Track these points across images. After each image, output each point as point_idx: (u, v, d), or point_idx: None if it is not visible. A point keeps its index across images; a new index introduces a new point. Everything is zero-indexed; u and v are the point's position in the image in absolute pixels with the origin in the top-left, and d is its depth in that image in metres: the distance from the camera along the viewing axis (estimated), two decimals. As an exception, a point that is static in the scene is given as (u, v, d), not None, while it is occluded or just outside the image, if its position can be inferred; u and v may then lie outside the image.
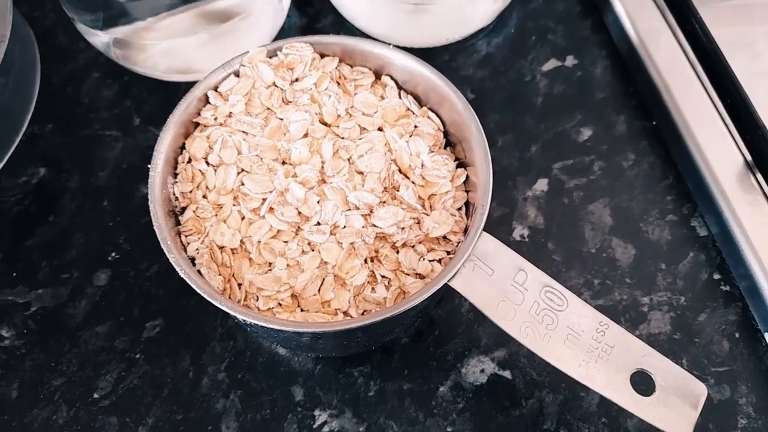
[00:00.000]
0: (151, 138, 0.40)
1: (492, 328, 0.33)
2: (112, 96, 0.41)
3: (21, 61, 0.40)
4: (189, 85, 0.33)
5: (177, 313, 0.34)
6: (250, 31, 0.40)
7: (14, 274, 0.35)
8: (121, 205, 0.37)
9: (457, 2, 0.39)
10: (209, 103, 0.32)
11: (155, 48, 0.39)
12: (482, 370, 0.33)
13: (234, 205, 0.30)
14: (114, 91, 0.41)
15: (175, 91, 0.41)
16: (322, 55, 0.33)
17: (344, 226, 0.29)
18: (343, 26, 0.44)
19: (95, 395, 0.32)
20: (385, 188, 0.30)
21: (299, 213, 0.29)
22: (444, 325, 0.34)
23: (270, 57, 0.33)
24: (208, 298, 0.26)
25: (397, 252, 0.30)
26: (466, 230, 0.30)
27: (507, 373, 0.33)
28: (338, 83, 0.33)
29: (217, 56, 0.36)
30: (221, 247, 0.29)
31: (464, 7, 0.40)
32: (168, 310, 0.34)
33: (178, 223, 0.30)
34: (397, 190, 0.30)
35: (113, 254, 0.36)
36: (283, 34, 0.43)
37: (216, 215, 0.30)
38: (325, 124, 0.32)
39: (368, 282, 0.29)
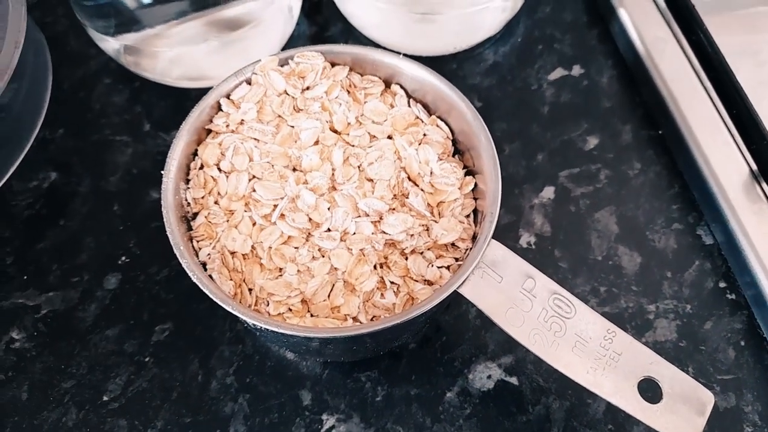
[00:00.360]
0: (161, 144, 0.40)
1: (499, 335, 0.34)
2: (122, 102, 0.42)
3: (33, 67, 0.40)
4: (199, 92, 0.33)
5: (186, 317, 0.35)
6: (260, 40, 0.41)
7: (25, 277, 0.36)
8: (131, 210, 0.38)
9: (465, 11, 0.40)
10: (221, 110, 0.32)
11: (165, 55, 0.39)
12: (489, 376, 0.33)
13: (245, 211, 0.30)
14: (125, 97, 0.42)
15: (185, 97, 0.41)
16: (333, 64, 0.34)
17: (354, 233, 0.29)
18: (352, 34, 0.44)
19: (105, 398, 0.33)
20: (394, 195, 0.31)
21: (310, 219, 0.29)
22: (451, 331, 0.34)
23: (281, 65, 0.33)
24: (220, 303, 0.26)
25: (406, 258, 0.30)
26: (474, 237, 0.30)
27: (514, 380, 0.33)
28: (348, 92, 0.33)
29: (227, 64, 0.37)
30: (232, 253, 0.29)
31: (472, 17, 0.40)
32: (177, 314, 0.35)
33: (189, 228, 0.30)
34: (407, 198, 0.30)
35: (123, 258, 0.36)
36: (293, 42, 0.43)
37: (227, 221, 0.30)
38: (335, 131, 0.32)
39: (377, 288, 0.29)
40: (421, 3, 0.39)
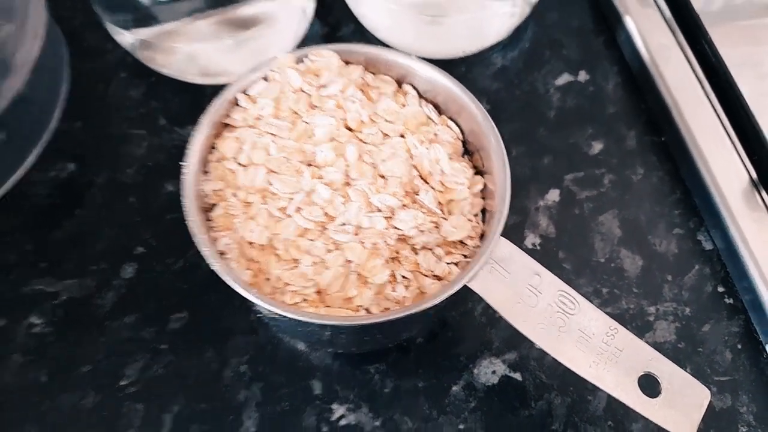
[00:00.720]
0: (176, 138, 0.41)
1: (503, 332, 0.35)
2: (139, 96, 0.42)
3: (50, 60, 0.41)
4: (214, 88, 0.33)
5: (201, 306, 0.35)
6: (274, 39, 0.41)
7: (43, 265, 0.36)
8: (147, 202, 0.38)
9: (473, 16, 0.40)
10: (239, 105, 0.33)
11: (180, 51, 0.40)
12: (494, 372, 0.34)
13: (262, 203, 0.31)
14: (141, 92, 0.42)
15: (200, 93, 0.42)
16: (347, 63, 0.34)
17: (367, 227, 0.30)
18: (363, 36, 0.45)
19: (122, 382, 0.33)
20: (406, 192, 0.31)
21: (325, 213, 0.30)
22: (457, 327, 0.35)
23: (297, 63, 0.34)
24: (241, 291, 0.27)
25: (416, 254, 0.31)
26: (482, 236, 0.31)
27: (517, 375, 0.34)
28: (362, 90, 0.34)
29: (241, 62, 0.37)
30: (250, 243, 0.30)
31: (480, 21, 0.41)
32: (192, 304, 0.35)
33: (206, 219, 0.31)
34: (418, 195, 0.31)
35: (139, 249, 0.37)
36: (305, 42, 0.44)
37: (245, 213, 0.31)
38: (349, 129, 0.33)
39: (389, 281, 0.30)
40: (431, 5, 0.40)
